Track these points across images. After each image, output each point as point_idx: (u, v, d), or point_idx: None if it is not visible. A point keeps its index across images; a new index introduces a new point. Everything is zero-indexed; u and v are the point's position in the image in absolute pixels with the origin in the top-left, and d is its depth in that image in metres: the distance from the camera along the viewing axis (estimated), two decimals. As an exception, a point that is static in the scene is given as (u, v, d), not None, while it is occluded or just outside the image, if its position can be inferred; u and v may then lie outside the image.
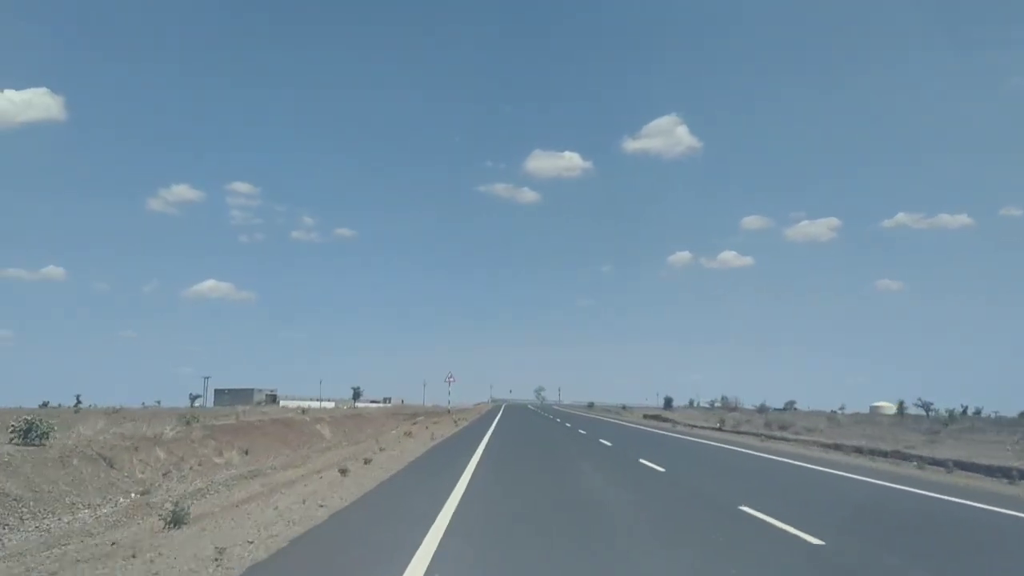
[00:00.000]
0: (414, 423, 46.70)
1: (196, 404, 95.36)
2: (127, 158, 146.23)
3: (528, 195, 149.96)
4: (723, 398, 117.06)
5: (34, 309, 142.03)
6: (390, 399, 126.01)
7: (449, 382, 63.95)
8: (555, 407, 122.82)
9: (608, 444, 25.46)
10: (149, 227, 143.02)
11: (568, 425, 43.35)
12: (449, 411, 67.57)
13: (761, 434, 33.28)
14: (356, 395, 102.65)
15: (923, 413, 57.38)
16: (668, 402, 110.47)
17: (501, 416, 60.40)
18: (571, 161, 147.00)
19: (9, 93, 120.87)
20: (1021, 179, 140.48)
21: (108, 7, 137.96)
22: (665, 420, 63.57)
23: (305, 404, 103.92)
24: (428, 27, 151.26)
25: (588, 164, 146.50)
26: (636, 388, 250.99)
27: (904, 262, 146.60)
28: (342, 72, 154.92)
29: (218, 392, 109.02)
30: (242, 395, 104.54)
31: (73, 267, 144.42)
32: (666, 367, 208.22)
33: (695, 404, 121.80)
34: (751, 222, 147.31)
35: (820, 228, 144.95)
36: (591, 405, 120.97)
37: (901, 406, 57.26)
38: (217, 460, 21.36)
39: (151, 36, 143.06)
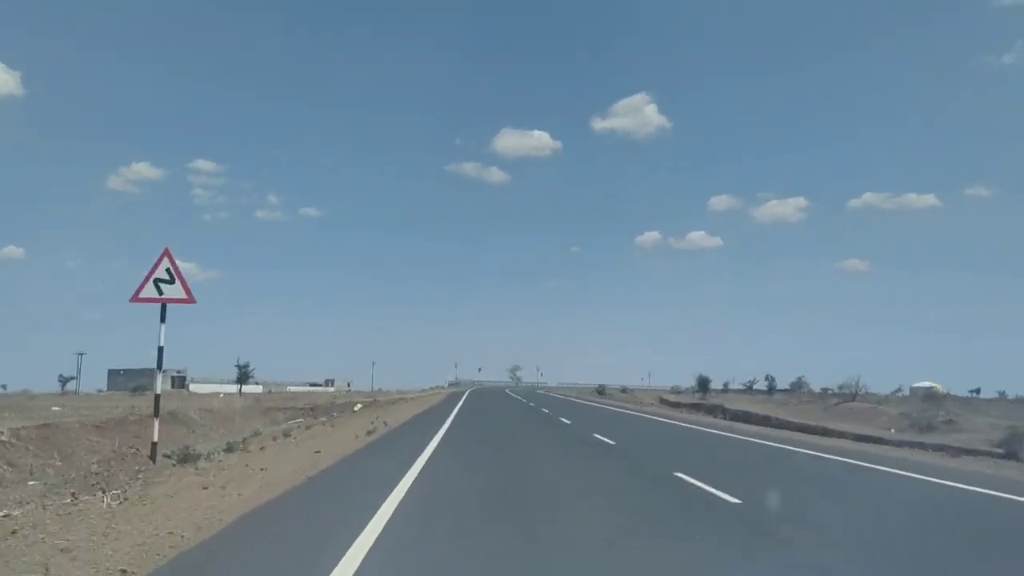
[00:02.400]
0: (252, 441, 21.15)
1: (67, 389, 70.66)
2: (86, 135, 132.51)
3: (496, 174, 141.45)
4: (768, 377, 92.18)
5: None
6: (332, 381, 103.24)
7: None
8: (539, 391, 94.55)
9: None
10: (109, 205, 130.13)
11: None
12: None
13: None
14: (243, 376, 72.57)
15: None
16: (703, 384, 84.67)
17: (449, 429, 20.21)
18: (540, 140, 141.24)
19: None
20: (987, 160, 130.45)
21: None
22: (753, 420, 38.69)
23: (217, 390, 78.96)
24: (397, 2, 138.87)
25: (558, 144, 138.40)
26: (617, 368, 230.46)
27: (871, 242, 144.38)
28: (307, 48, 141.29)
29: (112, 373, 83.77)
30: (142, 376, 79.31)
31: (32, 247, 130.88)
32: (644, 346, 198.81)
33: (728, 386, 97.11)
34: (719, 202, 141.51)
35: (788, 208, 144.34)
36: (601, 389, 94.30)
37: None
38: None
39: (113, 11, 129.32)
